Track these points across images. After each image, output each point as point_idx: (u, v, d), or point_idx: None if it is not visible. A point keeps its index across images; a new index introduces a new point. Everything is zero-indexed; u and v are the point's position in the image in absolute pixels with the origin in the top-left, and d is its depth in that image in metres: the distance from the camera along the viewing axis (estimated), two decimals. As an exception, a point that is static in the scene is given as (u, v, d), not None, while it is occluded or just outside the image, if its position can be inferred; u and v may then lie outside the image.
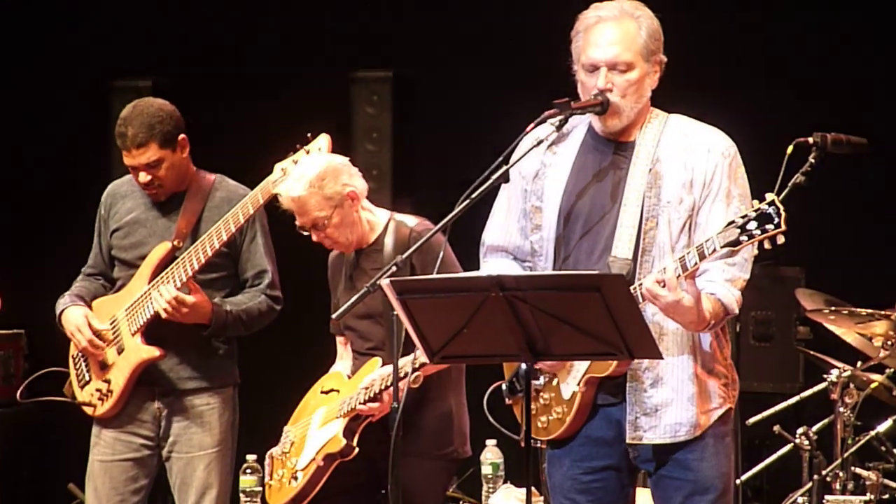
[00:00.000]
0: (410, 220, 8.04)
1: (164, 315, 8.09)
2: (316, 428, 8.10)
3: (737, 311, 6.45)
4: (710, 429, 6.56)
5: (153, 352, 8.20)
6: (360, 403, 7.89)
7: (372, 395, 7.84)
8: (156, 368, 8.31)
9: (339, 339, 8.41)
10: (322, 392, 8.25)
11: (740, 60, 9.59)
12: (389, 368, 7.73)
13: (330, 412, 8.07)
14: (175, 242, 8.26)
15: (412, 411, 7.62)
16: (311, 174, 7.94)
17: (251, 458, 9.12)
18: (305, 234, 8.05)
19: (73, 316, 8.28)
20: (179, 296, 8.12)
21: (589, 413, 6.57)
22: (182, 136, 8.29)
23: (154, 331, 8.22)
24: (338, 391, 8.11)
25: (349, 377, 8.19)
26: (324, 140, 8.04)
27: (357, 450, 7.93)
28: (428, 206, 7.87)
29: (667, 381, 6.50)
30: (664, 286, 6.16)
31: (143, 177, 8.26)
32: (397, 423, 6.97)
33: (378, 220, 8.04)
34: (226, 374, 8.44)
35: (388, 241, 8.06)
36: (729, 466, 6.64)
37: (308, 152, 8.02)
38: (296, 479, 8.07)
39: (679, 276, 6.16)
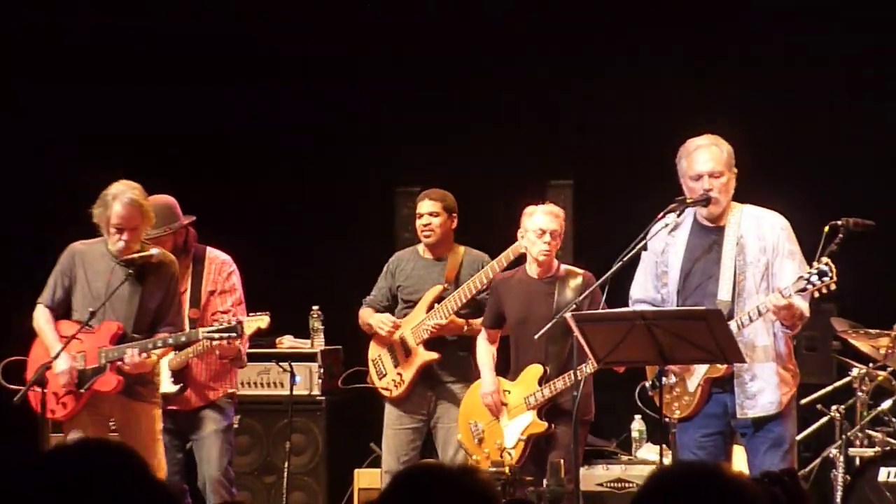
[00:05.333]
0: (578, 270, 7.71)
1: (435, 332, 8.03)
2: (507, 420, 7.69)
3: (808, 316, 6.57)
4: (786, 406, 6.63)
5: (432, 355, 8.04)
6: (541, 399, 7.55)
7: (545, 398, 7.53)
8: (432, 371, 8.08)
9: (491, 333, 7.85)
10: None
11: (794, 168, 9.47)
12: (556, 382, 7.49)
13: (514, 407, 7.69)
14: (445, 286, 8.10)
15: (570, 395, 7.39)
16: (559, 210, 7.74)
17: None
18: (541, 235, 7.59)
19: (379, 316, 8.15)
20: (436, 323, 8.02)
21: (706, 399, 6.68)
22: (455, 213, 8.18)
23: (429, 344, 8.06)
24: (508, 391, 7.71)
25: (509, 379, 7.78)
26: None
27: (553, 427, 7.57)
28: (591, 267, 7.79)
29: (760, 376, 6.59)
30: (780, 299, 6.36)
31: (429, 219, 8.13)
32: (577, 403, 6.96)
33: (555, 262, 7.72)
34: (468, 372, 8.03)
35: (569, 280, 7.62)
36: (794, 429, 6.81)
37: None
38: (509, 454, 7.61)
39: (769, 308, 6.40)
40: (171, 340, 7.23)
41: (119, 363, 7.17)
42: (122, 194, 7.10)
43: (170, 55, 10.06)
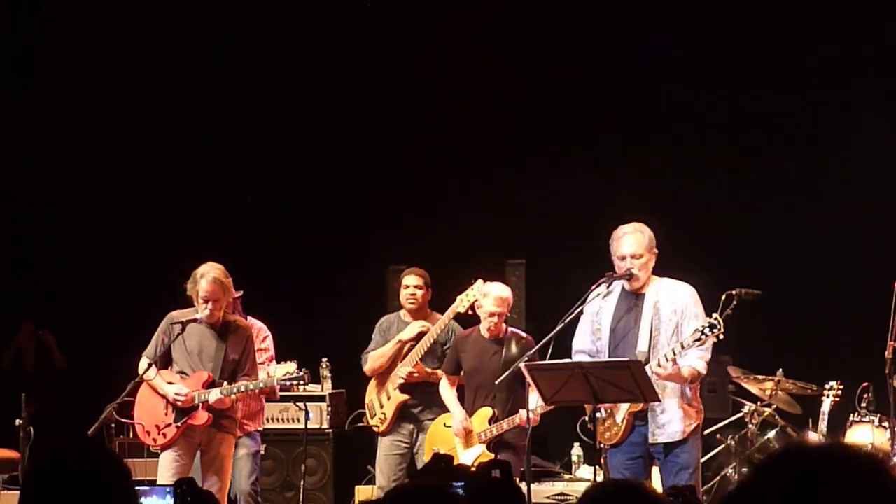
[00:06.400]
0: (521, 333, 7.62)
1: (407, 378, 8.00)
2: (462, 449, 7.54)
3: (705, 372, 6.65)
4: (690, 435, 6.64)
5: (405, 396, 7.91)
6: (490, 435, 7.45)
7: (494, 434, 7.44)
8: (409, 409, 7.97)
9: (450, 378, 7.68)
10: (445, 426, 7.71)
11: (700, 249, 9.46)
12: (502, 423, 7.39)
13: (467, 439, 7.55)
14: (412, 343, 7.94)
15: (514, 431, 7.38)
16: (508, 291, 7.60)
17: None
18: (490, 316, 7.48)
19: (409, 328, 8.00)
20: (410, 370, 7.93)
21: (630, 430, 6.67)
22: (430, 287, 8.05)
23: (405, 388, 7.91)
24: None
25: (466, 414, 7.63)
26: (479, 282, 7.65)
27: (496, 458, 7.41)
28: (540, 328, 7.64)
29: (668, 410, 6.59)
30: (663, 368, 6.46)
31: (413, 290, 8.01)
32: (529, 435, 7.01)
33: (504, 326, 7.59)
34: (441, 410, 7.89)
35: (513, 341, 7.48)
36: (698, 455, 6.82)
37: (473, 288, 7.64)
38: None
39: (669, 360, 6.41)
40: (251, 385, 7.33)
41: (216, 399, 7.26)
42: (207, 273, 7.24)
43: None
